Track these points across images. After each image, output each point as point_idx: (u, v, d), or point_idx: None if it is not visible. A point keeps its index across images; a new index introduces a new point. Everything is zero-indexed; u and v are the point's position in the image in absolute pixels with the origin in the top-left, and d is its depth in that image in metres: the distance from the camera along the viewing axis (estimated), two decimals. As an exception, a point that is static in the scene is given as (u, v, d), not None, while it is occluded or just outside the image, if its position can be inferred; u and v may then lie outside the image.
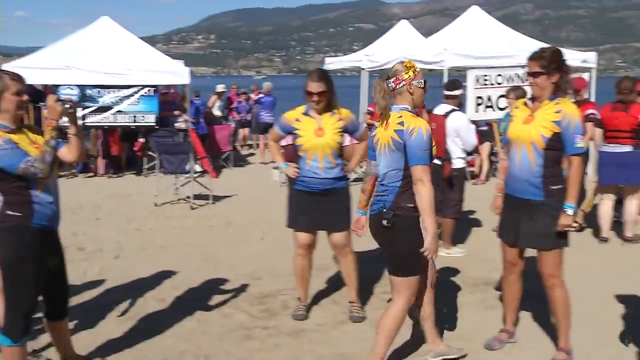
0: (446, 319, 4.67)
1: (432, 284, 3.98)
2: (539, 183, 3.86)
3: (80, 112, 10.87)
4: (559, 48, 4.04)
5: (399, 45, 12.51)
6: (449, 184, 6.14)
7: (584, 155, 3.98)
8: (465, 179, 6.91)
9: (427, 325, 4.00)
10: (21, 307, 3.46)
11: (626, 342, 4.03)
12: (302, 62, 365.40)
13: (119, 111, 11.63)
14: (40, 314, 3.82)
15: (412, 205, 3.55)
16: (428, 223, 3.48)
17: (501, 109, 10.32)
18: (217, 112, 15.42)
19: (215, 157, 12.36)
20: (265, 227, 7.67)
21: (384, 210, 3.61)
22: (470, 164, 10.88)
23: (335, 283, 5.43)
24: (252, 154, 15.44)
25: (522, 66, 4.03)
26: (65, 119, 3.48)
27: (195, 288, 5.50)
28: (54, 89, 11.08)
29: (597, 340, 4.33)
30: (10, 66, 10.30)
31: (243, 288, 5.48)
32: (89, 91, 11.50)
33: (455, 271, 5.92)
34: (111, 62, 11.62)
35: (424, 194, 3.48)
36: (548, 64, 3.85)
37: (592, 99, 10.02)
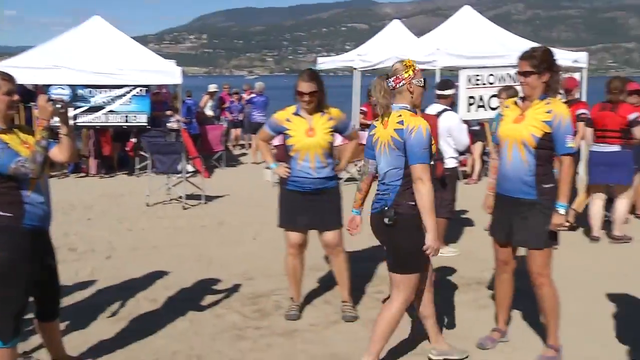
0: (439, 318, 4.66)
1: (431, 283, 4.00)
2: (531, 182, 3.87)
3: (71, 112, 10.82)
4: (550, 48, 4.05)
5: (392, 45, 12.52)
6: (441, 184, 6.14)
7: (575, 154, 3.99)
8: (458, 178, 6.93)
9: (428, 324, 4.02)
10: (11, 308, 3.44)
11: None
12: (294, 61, 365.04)
13: (110, 111, 11.58)
14: (31, 315, 3.80)
15: (413, 203, 3.59)
16: (428, 221, 3.52)
17: (493, 109, 10.35)
18: (209, 112, 15.39)
19: (208, 157, 12.34)
20: (257, 227, 7.66)
21: (386, 208, 3.63)
22: (462, 163, 10.90)
23: (328, 283, 5.43)
24: (244, 154, 15.42)
25: (514, 66, 4.02)
26: (56, 119, 3.47)
27: (188, 288, 5.49)
28: (44, 88, 11.03)
29: (587, 338, 4.35)
30: (1, 66, 10.24)
31: (235, 288, 5.47)
32: (80, 91, 11.45)
33: (448, 270, 5.94)
34: (103, 62, 11.57)
35: (423, 192, 3.52)
36: (539, 63, 3.87)
37: (584, 99, 10.08)
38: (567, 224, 6.61)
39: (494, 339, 4.27)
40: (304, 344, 4.34)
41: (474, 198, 7.06)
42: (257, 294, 5.34)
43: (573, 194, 6.70)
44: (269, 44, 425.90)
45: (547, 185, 3.87)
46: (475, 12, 12.70)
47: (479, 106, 10.76)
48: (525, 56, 3.92)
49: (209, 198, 9.38)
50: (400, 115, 3.65)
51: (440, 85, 6.55)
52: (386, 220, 3.61)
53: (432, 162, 3.65)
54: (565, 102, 6.58)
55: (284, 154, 4.80)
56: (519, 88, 4.22)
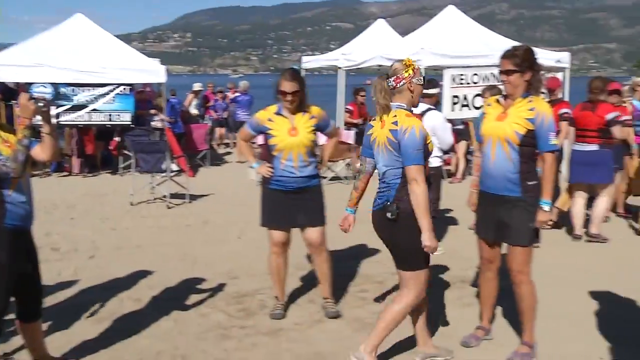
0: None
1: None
2: (516, 179, 3.89)
3: (54, 111, 10.71)
4: (531, 47, 4.09)
5: (376, 45, 12.54)
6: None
7: (558, 153, 4.02)
8: (442, 177, 6.96)
9: (418, 326, 4.03)
10: (-7, 309, 3.40)
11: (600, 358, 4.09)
12: (279, 60, 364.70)
13: (94, 110, 11.47)
14: (12, 316, 3.76)
15: None
16: (423, 221, 3.55)
17: (477, 108, 10.41)
18: (193, 111, 15.34)
19: (192, 155, 12.29)
20: (242, 226, 7.64)
21: (388, 203, 3.66)
22: (446, 162, 10.97)
23: (312, 282, 5.42)
24: (228, 153, 15.37)
25: (498, 65, 4.05)
26: (38, 117, 3.44)
27: (172, 287, 5.46)
28: (26, 87, 10.92)
29: (569, 335, 4.40)
30: (-18, 64, 10.14)
31: (220, 287, 5.45)
32: (63, 89, 11.32)
33: (432, 269, 5.93)
34: (86, 60, 11.45)
35: (418, 193, 3.55)
36: (521, 62, 3.90)
37: (566, 99, 10.18)
38: (551, 222, 6.65)
39: (478, 336, 4.29)
40: (289, 343, 4.34)
41: (458, 197, 7.11)
42: (242, 293, 5.32)
43: (556, 192, 6.77)
44: (253, 42, 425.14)
45: (531, 183, 3.89)
46: (460, 11, 12.75)
47: (463, 105, 10.83)
48: (508, 55, 3.95)
49: (194, 197, 9.34)
50: (395, 116, 3.67)
51: (424, 85, 6.56)
52: (389, 214, 3.64)
53: (428, 160, 3.69)
54: (549, 102, 6.63)
55: (268, 153, 4.80)
56: (502, 87, 4.24)
